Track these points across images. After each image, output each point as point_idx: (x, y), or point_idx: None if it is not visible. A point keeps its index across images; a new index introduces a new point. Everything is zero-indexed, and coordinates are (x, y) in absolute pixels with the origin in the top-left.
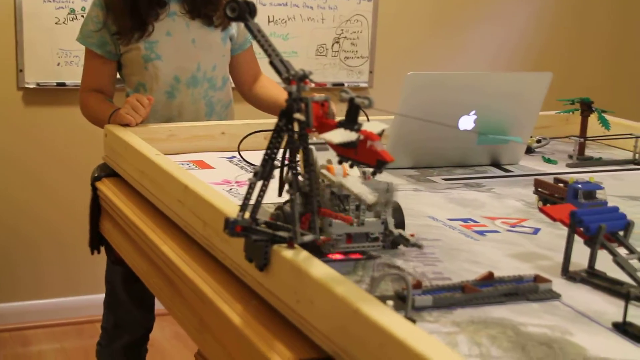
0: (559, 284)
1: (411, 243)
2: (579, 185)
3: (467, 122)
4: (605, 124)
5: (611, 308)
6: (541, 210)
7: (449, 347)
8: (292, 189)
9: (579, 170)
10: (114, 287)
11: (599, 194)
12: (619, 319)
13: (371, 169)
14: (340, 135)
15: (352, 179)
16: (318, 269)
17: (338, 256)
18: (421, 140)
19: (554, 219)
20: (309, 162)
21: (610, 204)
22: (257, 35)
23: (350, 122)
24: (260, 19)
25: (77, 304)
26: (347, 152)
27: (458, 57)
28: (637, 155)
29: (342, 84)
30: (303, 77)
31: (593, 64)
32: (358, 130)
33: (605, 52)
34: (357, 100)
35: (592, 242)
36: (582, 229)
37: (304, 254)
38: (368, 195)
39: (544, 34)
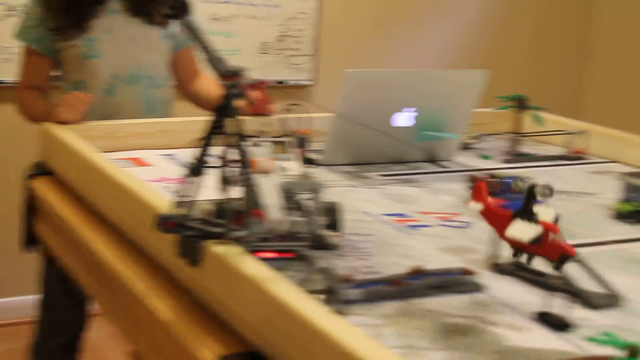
0: (485, 276)
1: (328, 244)
2: (510, 180)
3: (404, 119)
4: (539, 120)
5: (535, 299)
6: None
7: (376, 339)
8: (225, 184)
9: (512, 166)
10: (49, 287)
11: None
12: (542, 309)
13: (312, 169)
14: (526, 232)
15: (271, 180)
16: (249, 264)
17: (268, 254)
18: (359, 137)
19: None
20: (243, 158)
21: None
22: (194, 33)
23: (527, 212)
24: (203, 17)
25: (6, 305)
26: (525, 246)
27: (404, 55)
28: (568, 151)
29: (286, 82)
30: (236, 73)
31: (534, 62)
32: (537, 222)
33: (545, 51)
34: (538, 190)
35: None
36: None
37: (236, 249)
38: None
39: (490, 32)
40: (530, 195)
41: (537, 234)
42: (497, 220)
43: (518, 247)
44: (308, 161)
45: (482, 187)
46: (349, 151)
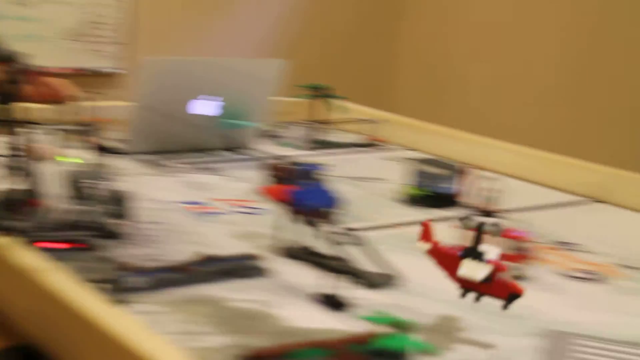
0: (273, 261)
1: (115, 233)
2: (303, 167)
3: (204, 107)
4: (339, 109)
5: (318, 281)
6: (261, 191)
7: (156, 327)
8: (5, 173)
9: (314, 153)
10: None
11: (323, 175)
12: (324, 291)
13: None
14: (477, 271)
15: (59, 169)
16: (23, 255)
17: (50, 245)
18: (161, 126)
19: (273, 199)
20: (24, 146)
21: (337, 184)
22: None
23: (475, 251)
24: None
25: None
26: (474, 285)
27: (223, 42)
28: (368, 139)
29: (95, 70)
30: (9, 58)
31: (348, 53)
32: (485, 261)
33: (356, 45)
34: (487, 228)
35: (306, 220)
36: (297, 207)
37: (11, 240)
38: None
39: (305, 23)
40: (478, 235)
41: (488, 273)
42: (446, 260)
43: (468, 286)
44: (106, 150)
45: (428, 227)
46: (151, 140)
